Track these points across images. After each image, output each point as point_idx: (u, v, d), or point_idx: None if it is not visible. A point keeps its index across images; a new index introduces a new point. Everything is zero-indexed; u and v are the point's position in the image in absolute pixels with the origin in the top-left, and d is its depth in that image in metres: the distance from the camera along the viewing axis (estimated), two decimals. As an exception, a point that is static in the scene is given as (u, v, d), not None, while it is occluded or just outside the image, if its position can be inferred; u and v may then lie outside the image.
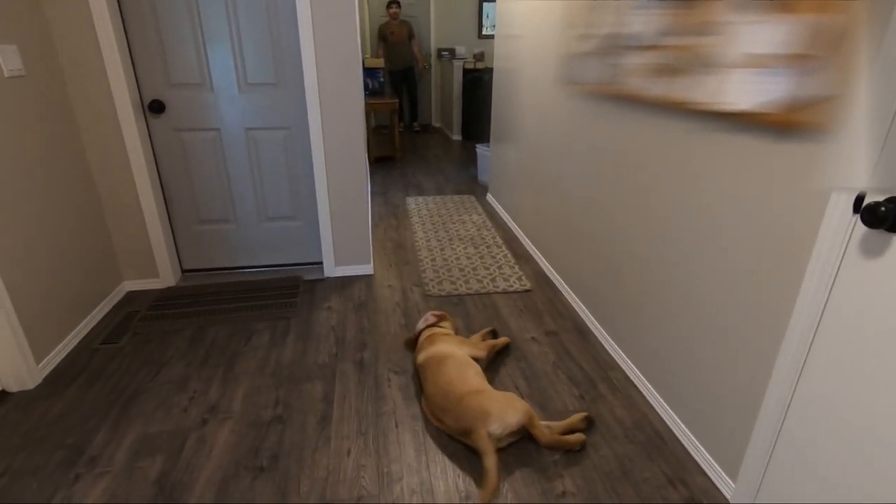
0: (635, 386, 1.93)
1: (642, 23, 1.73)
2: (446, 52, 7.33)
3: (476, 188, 4.61)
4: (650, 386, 1.85)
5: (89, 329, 2.29)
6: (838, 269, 1.07)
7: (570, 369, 2.03)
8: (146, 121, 2.46)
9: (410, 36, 6.32)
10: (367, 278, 2.80)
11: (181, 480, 1.49)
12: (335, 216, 2.70)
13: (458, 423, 1.58)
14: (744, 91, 1.27)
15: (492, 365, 2.04)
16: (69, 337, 2.14)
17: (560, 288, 2.68)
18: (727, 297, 1.41)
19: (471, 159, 5.72)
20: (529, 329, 2.31)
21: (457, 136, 7.00)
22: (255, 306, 2.47)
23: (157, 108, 2.43)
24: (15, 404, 1.81)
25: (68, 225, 2.18)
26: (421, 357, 1.87)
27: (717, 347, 1.47)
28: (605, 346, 2.17)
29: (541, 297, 2.62)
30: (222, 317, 2.37)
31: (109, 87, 2.26)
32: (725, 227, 1.41)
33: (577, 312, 2.46)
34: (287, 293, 2.60)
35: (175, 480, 1.49)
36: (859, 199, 1.02)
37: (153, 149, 2.52)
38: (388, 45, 6.31)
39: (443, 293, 2.63)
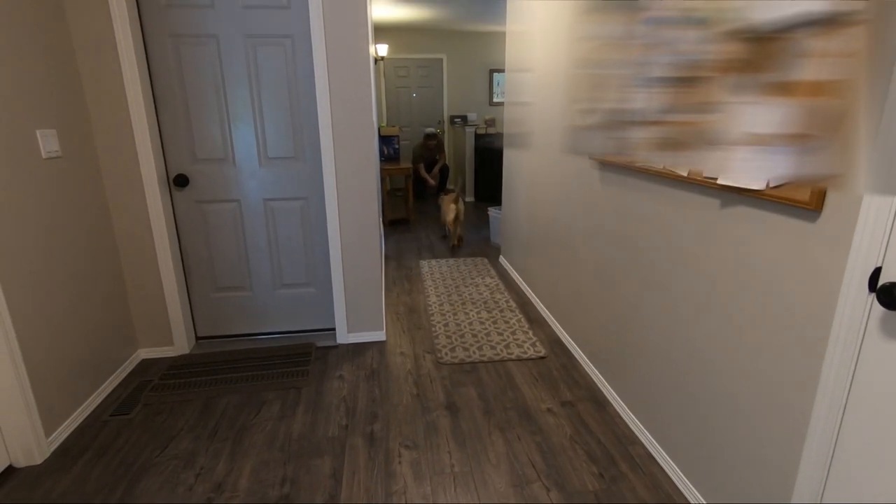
0: (657, 463, 1.83)
1: (644, 100, 1.80)
2: (458, 119, 7.65)
3: (489, 250, 4.64)
4: (673, 463, 1.76)
5: (102, 399, 2.28)
6: (860, 349, 1.03)
7: (587, 444, 1.95)
8: (171, 194, 2.57)
9: (440, 151, 6.71)
10: (379, 345, 2.79)
11: (182, 568, 1.43)
12: (349, 284, 2.73)
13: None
14: (747, 168, 1.30)
15: (507, 437, 1.97)
16: (81, 408, 2.14)
17: (575, 355, 2.63)
18: (747, 373, 1.37)
19: (483, 221, 5.80)
20: (545, 399, 2.25)
21: (470, 199, 7.14)
22: (266, 375, 2.45)
23: (181, 182, 2.55)
24: (21, 480, 1.78)
25: (91, 296, 2.24)
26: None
27: (742, 425, 1.40)
28: (624, 417, 2.09)
29: (556, 364, 2.56)
30: (233, 386, 2.36)
31: (139, 163, 2.39)
32: (738, 301, 1.39)
33: (593, 381, 2.39)
34: (299, 361, 2.59)
35: (176, 568, 1.43)
36: (874, 278, 1.00)
37: (175, 220, 2.61)
38: (422, 162, 6.70)
39: (455, 360, 2.59)
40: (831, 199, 1.08)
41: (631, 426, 2.04)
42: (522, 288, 3.62)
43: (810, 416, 1.16)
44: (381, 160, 6.07)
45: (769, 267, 1.28)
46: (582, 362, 2.54)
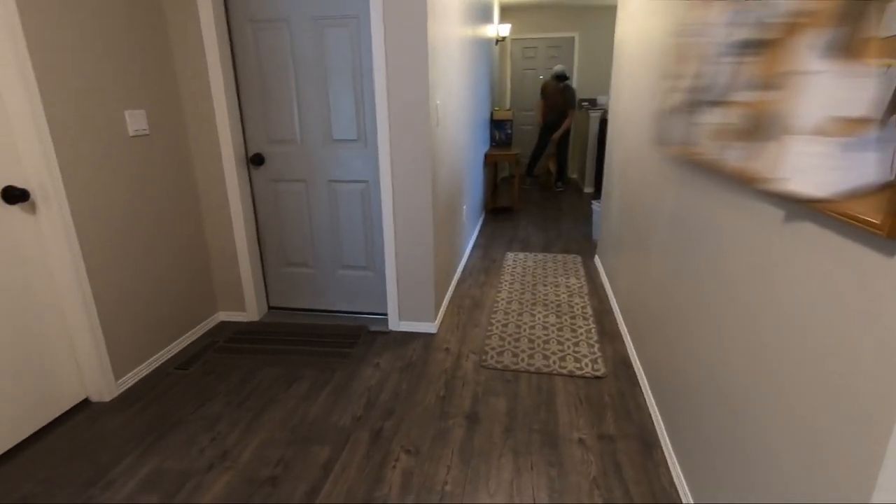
0: (693, 538, 1.45)
1: (720, 73, 1.38)
2: (586, 103, 7.08)
3: (586, 247, 4.22)
4: (710, 545, 1.37)
5: (177, 351, 2.56)
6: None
7: (611, 491, 1.62)
8: (248, 172, 2.75)
9: (568, 104, 6.24)
10: (426, 337, 2.69)
11: (162, 526, 1.52)
12: (401, 272, 2.66)
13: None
14: (819, 168, 0.89)
15: (518, 464, 1.74)
16: (154, 357, 2.41)
17: (640, 381, 2.23)
18: (823, 423, 0.97)
19: (589, 215, 5.31)
20: (580, 427, 1.94)
21: (588, 189, 6.61)
22: (312, 352, 2.52)
23: (258, 160, 2.71)
24: (88, 414, 2.07)
25: (177, 260, 2.50)
26: None
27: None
28: (671, 470, 1.70)
29: (612, 388, 2.20)
30: (279, 357, 2.47)
31: (219, 142, 2.59)
32: (809, 343, 0.99)
33: (649, 416, 2.00)
34: (347, 342, 2.62)
35: (157, 524, 1.52)
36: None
37: (252, 196, 2.80)
38: (546, 101, 6.35)
39: (499, 366, 2.38)
40: (919, 224, 0.68)
41: (676, 481, 1.65)
42: (608, 294, 3.21)
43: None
44: (491, 145, 5.89)
45: (831, 303, 0.87)
46: (644, 391, 2.14)
